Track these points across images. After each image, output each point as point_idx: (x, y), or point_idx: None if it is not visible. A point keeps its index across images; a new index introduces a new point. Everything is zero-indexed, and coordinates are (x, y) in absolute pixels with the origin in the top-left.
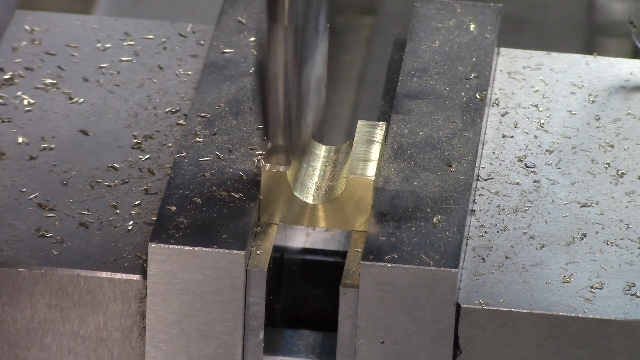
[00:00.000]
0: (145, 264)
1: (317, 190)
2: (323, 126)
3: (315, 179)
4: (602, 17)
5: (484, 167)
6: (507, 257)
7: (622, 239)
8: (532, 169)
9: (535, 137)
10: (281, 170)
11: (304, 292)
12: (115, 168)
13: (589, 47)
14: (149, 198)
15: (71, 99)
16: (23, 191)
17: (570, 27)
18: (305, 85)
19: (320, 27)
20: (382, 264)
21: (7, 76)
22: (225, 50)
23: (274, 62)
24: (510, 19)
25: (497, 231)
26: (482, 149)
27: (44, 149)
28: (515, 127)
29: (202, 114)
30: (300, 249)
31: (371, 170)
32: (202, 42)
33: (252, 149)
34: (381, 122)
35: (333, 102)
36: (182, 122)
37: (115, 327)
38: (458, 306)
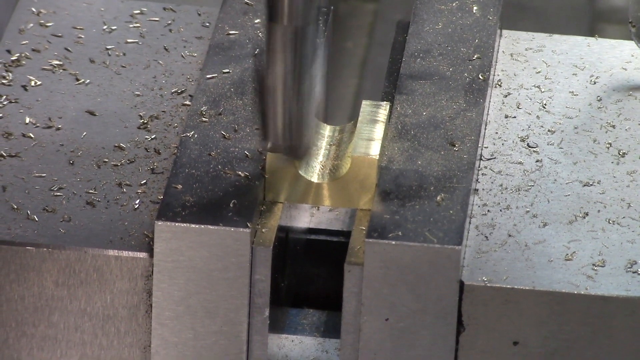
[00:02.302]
0: (151, 242)
1: (322, 169)
2: (327, 107)
3: (320, 158)
4: (604, 3)
5: (487, 147)
6: (510, 235)
7: (623, 217)
8: (534, 149)
9: (538, 117)
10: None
11: (308, 272)
12: (121, 148)
13: (591, 33)
14: (155, 177)
15: (78, 80)
16: (30, 170)
17: (572, 13)
18: (305, 86)
19: (320, 27)
20: (387, 241)
21: (14, 57)
22: (231, 32)
23: (274, 61)
24: (512, 5)
25: (500, 210)
26: (485, 129)
27: (51, 128)
28: (518, 107)
29: (207, 95)
30: (304, 229)
31: (375, 150)
32: (208, 24)
33: (257, 129)
34: (385, 102)
35: (337, 87)
36: (187, 102)
37: (122, 305)
38: (461, 283)
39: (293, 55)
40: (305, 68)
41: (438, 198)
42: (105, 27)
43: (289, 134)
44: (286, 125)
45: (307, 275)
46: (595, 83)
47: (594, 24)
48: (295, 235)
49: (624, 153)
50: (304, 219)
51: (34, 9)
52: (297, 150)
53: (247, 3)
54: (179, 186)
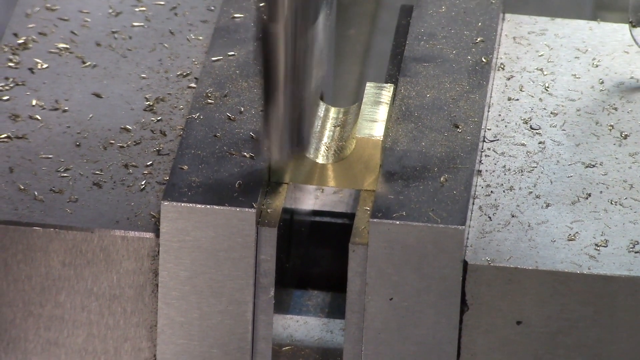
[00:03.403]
0: (157, 222)
1: (327, 150)
2: (331, 91)
3: (325, 139)
4: None
5: (490, 129)
6: (513, 216)
7: (625, 198)
8: (537, 131)
9: (540, 100)
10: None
11: (313, 253)
12: (127, 129)
13: (593, 19)
14: (160, 159)
15: (84, 63)
16: (37, 152)
17: (574, 0)
18: (306, 84)
19: (320, 25)
20: (391, 221)
21: (21, 41)
22: (236, 15)
23: (273, 61)
24: None
25: (503, 191)
26: (488, 111)
27: (58, 110)
28: (521, 90)
29: (213, 77)
30: (309, 211)
31: (379, 131)
32: (213, 7)
33: (262, 110)
34: (389, 84)
35: (340, 74)
36: (193, 85)
37: (128, 285)
38: (465, 263)
39: (292, 54)
40: (306, 67)
41: (442, 179)
42: (111, 10)
43: (289, 134)
44: (286, 125)
45: (311, 257)
46: (597, 66)
47: (596, 11)
48: (300, 217)
49: (626, 135)
50: (309, 201)
51: None
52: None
53: None
54: (185, 167)
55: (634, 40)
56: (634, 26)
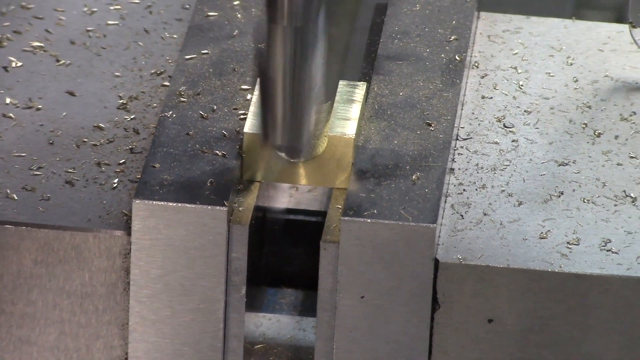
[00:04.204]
0: (129, 221)
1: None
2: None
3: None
4: None
5: (463, 127)
6: (485, 214)
7: (598, 196)
8: (510, 129)
9: (514, 98)
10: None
11: (287, 251)
12: (100, 128)
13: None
14: (133, 157)
15: (58, 61)
16: (10, 150)
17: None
18: (305, 86)
19: (319, 27)
20: (362, 219)
21: None
22: (210, 14)
23: (274, 63)
24: None
25: (476, 189)
26: (462, 109)
27: (31, 109)
28: (495, 88)
29: (186, 75)
30: (283, 209)
31: (352, 129)
32: (188, 6)
33: (235, 109)
34: (362, 82)
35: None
36: (167, 83)
37: (100, 283)
38: (436, 261)
39: (293, 55)
40: (306, 67)
41: (413, 177)
42: (85, 9)
43: (288, 134)
44: (286, 125)
45: (286, 255)
46: (571, 64)
47: (577, 10)
48: (274, 216)
49: (599, 133)
50: (283, 199)
51: None
52: (296, 149)
53: None
54: (157, 165)
55: (634, 40)
56: (634, 26)
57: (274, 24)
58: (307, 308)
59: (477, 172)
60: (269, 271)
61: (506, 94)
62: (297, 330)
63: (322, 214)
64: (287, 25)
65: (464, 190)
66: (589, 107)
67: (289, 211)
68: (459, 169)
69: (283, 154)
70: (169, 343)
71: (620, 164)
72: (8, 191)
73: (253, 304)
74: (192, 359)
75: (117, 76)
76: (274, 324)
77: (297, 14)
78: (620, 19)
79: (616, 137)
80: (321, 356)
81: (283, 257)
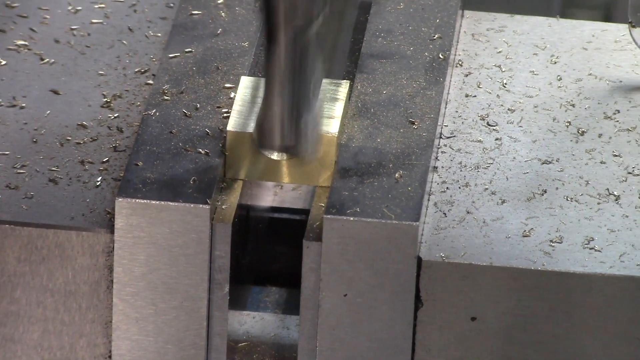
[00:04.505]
0: (112, 219)
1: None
2: None
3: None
4: None
5: (447, 126)
6: (468, 212)
7: (581, 194)
8: (494, 127)
9: (498, 96)
10: (245, 132)
11: (271, 250)
12: (84, 126)
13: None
14: (117, 155)
15: (42, 59)
16: None
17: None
18: (305, 89)
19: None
20: (345, 217)
21: None
22: (194, 12)
23: (274, 62)
24: None
25: (459, 187)
26: (446, 108)
27: (15, 107)
28: (478, 87)
29: (169, 74)
30: (267, 207)
31: (335, 127)
32: (172, 4)
33: (218, 107)
34: (345, 81)
35: None
36: (150, 82)
37: (84, 281)
38: (419, 259)
39: (293, 56)
40: (307, 68)
41: (396, 175)
42: (70, 7)
43: (289, 135)
44: (286, 126)
45: (270, 254)
46: (555, 63)
47: (564, 9)
48: (258, 214)
49: (583, 131)
50: (267, 197)
51: None
52: (298, 150)
53: None
54: (140, 163)
55: (634, 40)
56: (633, 26)
57: (274, 25)
58: (291, 306)
59: (461, 171)
60: (254, 269)
61: (490, 93)
62: (281, 329)
63: (307, 212)
64: (288, 26)
65: (447, 188)
66: (573, 105)
67: (274, 209)
68: (443, 167)
69: (277, 154)
70: (152, 341)
71: (604, 162)
72: None
73: (237, 302)
74: (175, 357)
75: (101, 75)
76: (257, 322)
77: (297, 15)
78: (607, 18)
79: (600, 135)
80: (304, 354)
81: (267, 255)
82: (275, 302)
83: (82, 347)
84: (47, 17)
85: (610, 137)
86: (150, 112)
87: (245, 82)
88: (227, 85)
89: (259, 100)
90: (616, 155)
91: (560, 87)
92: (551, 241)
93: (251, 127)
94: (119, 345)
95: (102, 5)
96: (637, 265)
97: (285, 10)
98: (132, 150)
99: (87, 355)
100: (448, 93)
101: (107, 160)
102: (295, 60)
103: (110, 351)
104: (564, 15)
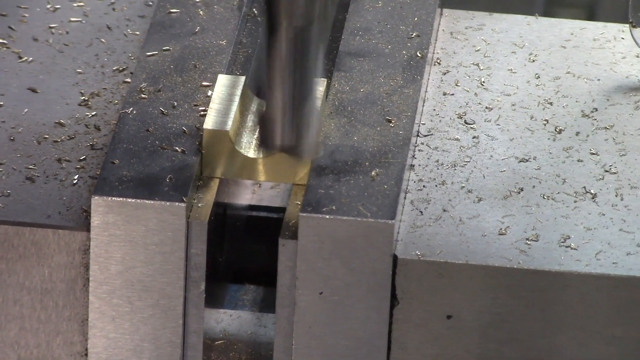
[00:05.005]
0: (89, 217)
1: (258, 144)
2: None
3: (257, 133)
4: None
5: (424, 124)
6: (444, 210)
7: (558, 193)
8: (471, 126)
9: (476, 94)
10: (222, 130)
11: (250, 248)
12: (62, 124)
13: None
14: (94, 153)
15: (21, 58)
16: None
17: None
18: (305, 86)
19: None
20: (321, 215)
21: None
22: (172, 10)
23: (274, 63)
24: None
25: (436, 185)
26: (423, 106)
27: None
28: (456, 85)
29: (147, 72)
30: (245, 206)
31: None
32: (151, 2)
33: (195, 105)
34: (322, 79)
35: None
36: (128, 80)
37: (60, 279)
38: (395, 257)
39: (294, 56)
40: (307, 68)
41: (373, 173)
42: (49, 6)
43: (290, 135)
44: (287, 126)
45: (248, 252)
46: (534, 61)
47: (548, 7)
48: (235, 212)
49: (560, 130)
50: (246, 195)
51: None
52: (300, 150)
53: None
54: (117, 161)
55: (635, 41)
56: (634, 26)
57: (275, 25)
58: (268, 304)
59: (437, 169)
60: (231, 267)
61: (468, 91)
62: (258, 327)
63: (284, 211)
64: (288, 26)
65: (423, 186)
66: (551, 103)
67: (252, 207)
68: (419, 165)
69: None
70: (128, 339)
71: (581, 161)
72: None
73: (214, 300)
74: (151, 355)
75: (79, 73)
76: (234, 320)
77: (298, 14)
78: (591, 16)
79: (577, 133)
80: (280, 352)
81: (245, 253)
82: (252, 300)
83: (58, 345)
84: (26, 15)
85: (587, 136)
86: (127, 110)
87: (223, 81)
88: (205, 83)
89: (236, 99)
90: (593, 154)
91: (538, 85)
92: (527, 239)
93: (228, 125)
94: (95, 343)
95: (81, 4)
96: (613, 263)
97: (287, 9)
98: (108, 148)
99: (63, 353)
100: (426, 91)
101: (85, 159)
102: (296, 58)
103: (86, 349)
104: (547, 14)
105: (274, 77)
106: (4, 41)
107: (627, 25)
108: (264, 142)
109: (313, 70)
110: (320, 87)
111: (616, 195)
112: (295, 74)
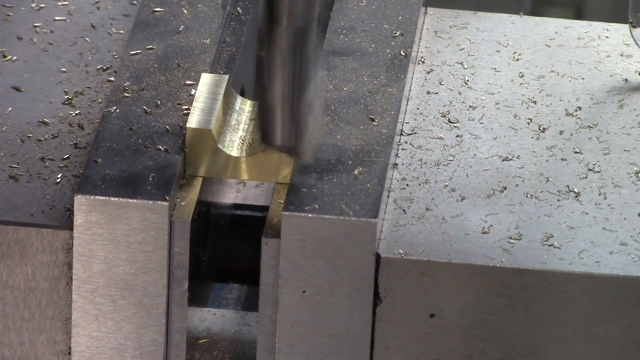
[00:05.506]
0: (72, 215)
1: (241, 143)
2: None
3: (240, 132)
4: None
5: (408, 123)
6: (427, 209)
7: (541, 191)
8: (455, 124)
9: (460, 93)
10: (205, 129)
11: (234, 247)
12: (45, 123)
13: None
14: (78, 152)
15: (5, 56)
16: None
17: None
18: (305, 86)
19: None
20: (303, 214)
21: None
22: (156, 9)
23: (274, 62)
24: None
25: (419, 184)
26: (407, 105)
27: None
28: (440, 84)
29: (131, 70)
30: (229, 204)
31: None
32: (135, 1)
33: (179, 104)
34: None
35: None
36: (112, 79)
37: (43, 277)
38: (378, 256)
39: (294, 56)
40: (307, 68)
41: (355, 172)
42: (34, 4)
43: (290, 135)
44: (287, 126)
45: (232, 250)
46: (518, 60)
47: (537, 7)
48: (219, 211)
49: (544, 128)
50: (230, 194)
51: None
52: (299, 149)
53: None
54: (100, 160)
55: (635, 41)
56: (634, 26)
57: (275, 24)
58: (252, 303)
59: (421, 167)
60: (215, 266)
61: (451, 90)
62: (242, 325)
63: (268, 209)
64: (288, 25)
65: (407, 185)
66: (535, 102)
67: (235, 206)
68: (403, 164)
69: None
70: (111, 337)
71: (565, 159)
72: None
73: (198, 299)
74: (134, 354)
75: (63, 72)
76: (218, 318)
77: (298, 14)
78: (578, 15)
79: (561, 132)
80: (263, 351)
81: (229, 252)
82: (236, 299)
83: (42, 344)
84: (11, 14)
85: (571, 134)
86: (110, 109)
87: (206, 79)
88: (188, 82)
89: (219, 98)
90: (577, 152)
91: (522, 84)
92: (510, 238)
93: (211, 124)
94: (78, 341)
95: (66, 3)
96: (596, 262)
97: (287, 9)
98: (91, 146)
99: (47, 351)
100: (409, 90)
101: (68, 157)
102: (296, 57)
103: (69, 347)
104: (535, 13)
105: (273, 77)
106: None
107: (612, 24)
108: (265, 141)
109: (313, 70)
110: (320, 87)
111: (599, 194)
112: (295, 73)
